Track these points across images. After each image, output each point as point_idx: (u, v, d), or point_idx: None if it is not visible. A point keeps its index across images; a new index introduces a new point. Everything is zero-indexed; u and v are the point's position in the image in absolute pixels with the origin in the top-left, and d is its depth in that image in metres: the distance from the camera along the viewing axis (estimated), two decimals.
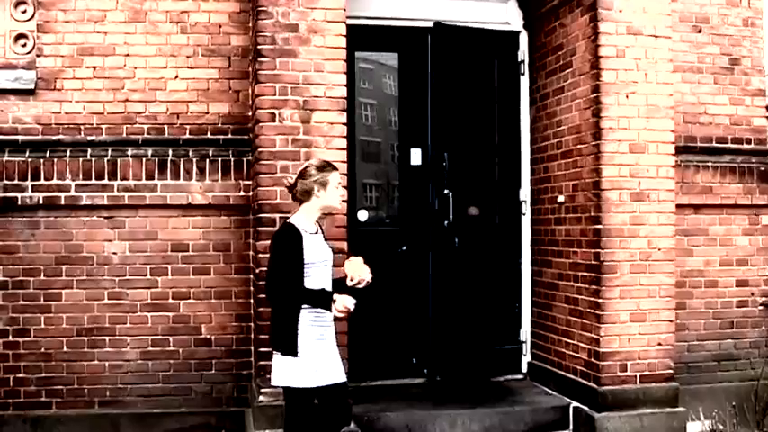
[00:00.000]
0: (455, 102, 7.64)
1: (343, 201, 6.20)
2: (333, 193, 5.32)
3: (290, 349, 5.09)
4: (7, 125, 6.74)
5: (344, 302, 5.11)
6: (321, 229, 5.44)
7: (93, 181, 6.69)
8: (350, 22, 6.53)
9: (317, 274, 5.19)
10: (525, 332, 7.85)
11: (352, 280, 5.33)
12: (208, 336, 6.86)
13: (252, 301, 6.73)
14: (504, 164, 7.90)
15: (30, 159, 6.64)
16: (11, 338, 6.65)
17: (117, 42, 6.85)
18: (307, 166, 5.35)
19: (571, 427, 6.91)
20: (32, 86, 6.76)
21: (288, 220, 5.28)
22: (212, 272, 6.86)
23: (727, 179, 7.59)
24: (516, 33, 7.93)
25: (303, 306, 5.11)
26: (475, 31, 7.78)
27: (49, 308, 6.69)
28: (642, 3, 6.74)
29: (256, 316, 6.44)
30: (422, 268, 7.68)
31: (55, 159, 6.66)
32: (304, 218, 5.26)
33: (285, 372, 5.13)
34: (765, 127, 7.85)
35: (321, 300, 5.16)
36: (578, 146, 7.01)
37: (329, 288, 5.26)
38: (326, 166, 5.35)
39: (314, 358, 5.13)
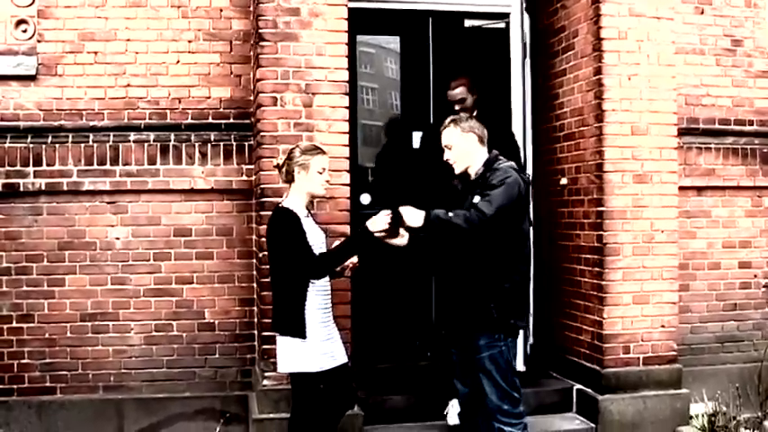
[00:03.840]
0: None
1: (346, 184, 6.22)
2: (314, 178, 5.29)
3: (298, 331, 5.09)
4: (9, 111, 6.73)
5: (382, 217, 5.24)
6: (311, 213, 5.45)
7: (96, 166, 6.69)
8: (351, 5, 6.50)
9: None
10: (528, 315, 7.84)
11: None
12: (211, 320, 6.87)
13: (255, 285, 6.74)
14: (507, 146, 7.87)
15: (32, 145, 6.64)
16: (15, 324, 6.67)
17: (118, 27, 6.83)
18: (294, 147, 5.37)
19: (574, 409, 6.92)
20: (34, 72, 6.74)
21: (280, 204, 5.29)
22: (215, 256, 6.87)
23: (730, 161, 7.59)
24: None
25: (309, 289, 5.12)
26: (475, 15, 7.76)
27: (53, 293, 6.70)
28: None
29: (260, 300, 6.45)
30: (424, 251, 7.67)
31: (57, 145, 6.66)
32: (294, 200, 5.26)
33: (292, 357, 5.14)
34: None
35: (357, 242, 5.26)
36: (581, 128, 7.00)
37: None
38: (312, 149, 5.33)
39: (321, 342, 5.14)
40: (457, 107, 6.68)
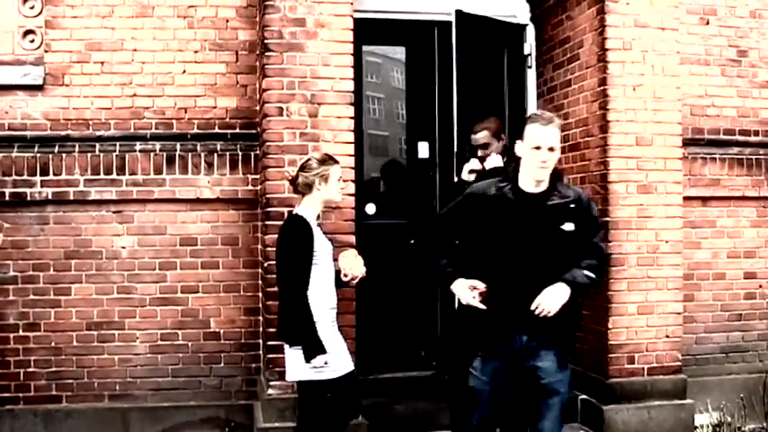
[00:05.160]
0: (462, 95, 7.63)
1: (351, 194, 6.24)
2: (334, 187, 5.35)
3: (296, 340, 5.12)
4: (16, 121, 6.76)
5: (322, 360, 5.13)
6: (318, 223, 5.48)
7: (102, 176, 6.71)
8: (357, 15, 6.53)
9: (325, 266, 5.24)
10: None
11: (345, 276, 5.37)
12: (217, 329, 6.88)
13: (260, 294, 6.74)
14: (512, 156, 7.88)
15: (38, 155, 6.66)
16: (21, 333, 6.68)
17: (124, 38, 6.86)
18: (308, 159, 5.39)
19: (579, 419, 6.91)
20: (41, 82, 6.77)
21: (294, 212, 5.31)
22: (221, 266, 6.88)
23: (735, 171, 7.58)
24: (523, 26, 7.93)
25: (316, 297, 5.13)
26: (482, 25, 7.79)
27: (59, 302, 6.72)
28: None
29: (265, 309, 6.45)
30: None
31: (63, 155, 6.68)
32: (308, 210, 5.29)
33: (300, 366, 5.14)
34: None
35: (313, 343, 5.11)
36: (585, 138, 7.02)
37: (333, 280, 5.32)
38: (328, 160, 5.37)
39: (328, 350, 5.15)
40: (479, 153, 6.44)
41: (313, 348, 5.07)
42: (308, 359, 5.06)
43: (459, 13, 7.44)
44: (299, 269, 5.11)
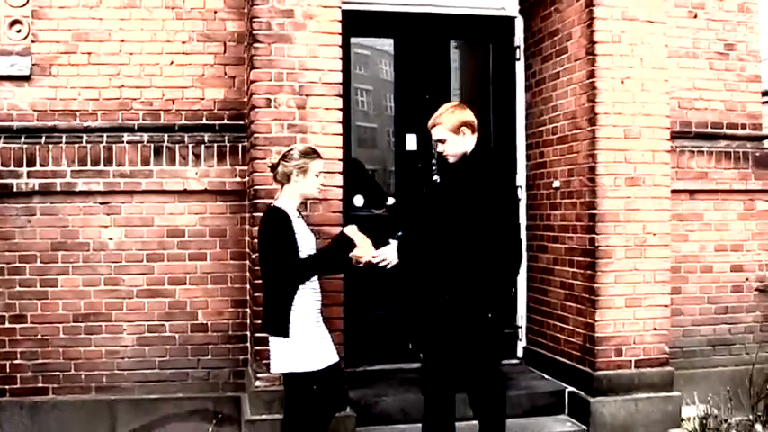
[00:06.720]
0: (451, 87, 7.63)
1: (339, 186, 6.23)
2: (311, 181, 5.33)
3: (282, 330, 5.11)
4: (3, 112, 6.75)
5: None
6: (302, 214, 5.46)
7: (89, 167, 6.68)
8: (345, 7, 6.51)
9: None
10: (521, 317, 7.87)
11: (358, 263, 5.40)
12: (204, 321, 6.87)
13: (248, 286, 6.74)
14: (500, 149, 7.89)
15: (25, 146, 6.63)
16: (7, 325, 6.66)
17: (112, 28, 6.84)
18: (291, 149, 5.38)
19: (566, 411, 6.92)
20: (28, 73, 6.75)
21: (273, 204, 5.31)
22: (208, 257, 6.86)
23: (723, 164, 7.60)
24: (512, 19, 7.92)
25: (301, 289, 5.12)
26: (470, 18, 7.79)
27: (46, 294, 6.69)
28: None
29: (252, 301, 6.45)
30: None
31: (50, 146, 6.66)
32: (287, 201, 5.28)
33: (285, 357, 5.14)
34: (760, 112, 7.88)
35: (340, 248, 5.25)
36: (574, 131, 7.01)
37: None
38: (311, 153, 5.36)
39: (313, 341, 5.15)
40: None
41: (279, 331, 5.17)
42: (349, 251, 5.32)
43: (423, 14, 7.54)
44: (282, 259, 5.09)
